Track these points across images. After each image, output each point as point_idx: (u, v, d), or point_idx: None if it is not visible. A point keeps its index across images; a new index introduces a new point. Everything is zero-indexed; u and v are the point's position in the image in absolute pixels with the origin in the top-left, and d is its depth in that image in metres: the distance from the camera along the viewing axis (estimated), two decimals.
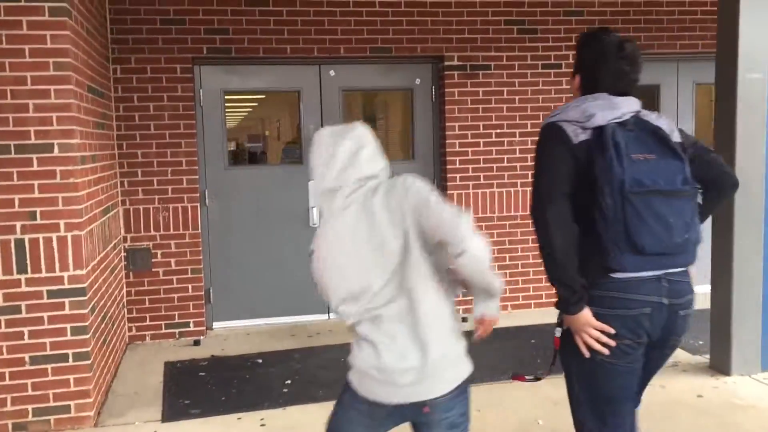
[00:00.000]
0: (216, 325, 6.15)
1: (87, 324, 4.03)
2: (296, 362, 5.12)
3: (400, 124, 6.53)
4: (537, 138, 2.43)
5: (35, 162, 3.88)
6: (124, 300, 5.74)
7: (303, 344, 5.58)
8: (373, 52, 6.05)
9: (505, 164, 6.35)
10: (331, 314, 6.29)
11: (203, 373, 4.95)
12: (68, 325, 4.00)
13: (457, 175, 6.27)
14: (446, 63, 6.17)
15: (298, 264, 5.31)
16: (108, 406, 4.40)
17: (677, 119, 6.81)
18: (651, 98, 6.76)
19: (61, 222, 3.94)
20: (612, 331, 2.25)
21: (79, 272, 3.98)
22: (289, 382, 4.70)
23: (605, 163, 2.20)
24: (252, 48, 5.85)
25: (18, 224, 3.89)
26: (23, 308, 3.93)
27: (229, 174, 6.06)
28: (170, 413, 4.23)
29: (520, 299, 6.48)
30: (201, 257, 5.90)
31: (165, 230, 5.81)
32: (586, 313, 2.27)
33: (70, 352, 4.01)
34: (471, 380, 2.22)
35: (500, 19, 6.23)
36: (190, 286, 5.90)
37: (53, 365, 4.00)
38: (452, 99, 6.21)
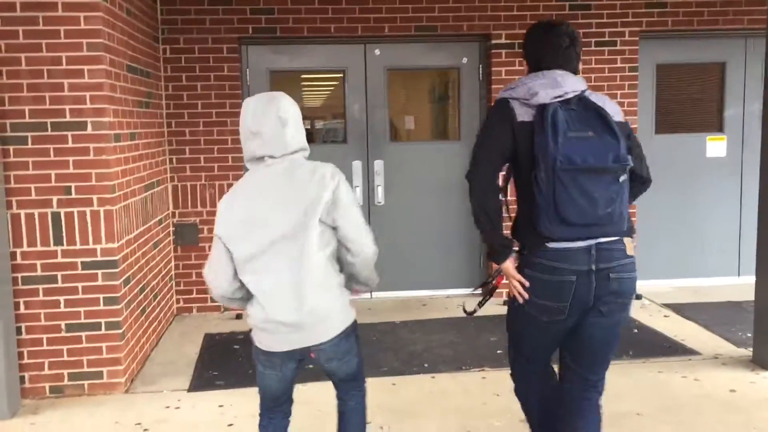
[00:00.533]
0: None
1: (118, 295, 4.20)
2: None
3: (447, 104, 6.44)
4: None
5: (70, 139, 4.06)
6: (172, 273, 5.95)
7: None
8: (418, 30, 5.99)
9: None
10: (373, 293, 6.34)
11: (237, 346, 5.09)
12: (101, 296, 4.18)
13: None
14: (494, 41, 6.04)
15: None
16: (143, 373, 4.59)
17: (744, 100, 6.46)
18: (716, 76, 6.42)
19: (94, 197, 4.11)
20: (526, 284, 2.56)
21: (111, 245, 4.15)
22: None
23: (543, 140, 2.42)
24: (297, 27, 5.90)
25: (54, 198, 4.08)
26: (59, 278, 4.14)
27: None
28: (197, 383, 4.37)
29: None
30: None
31: (211, 206, 5.97)
32: (508, 265, 2.61)
33: (102, 321, 4.20)
34: (354, 327, 2.58)
35: None
36: None
37: (87, 333, 4.20)
38: (499, 78, 6.07)
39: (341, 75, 6.18)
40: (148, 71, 5.29)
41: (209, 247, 5.85)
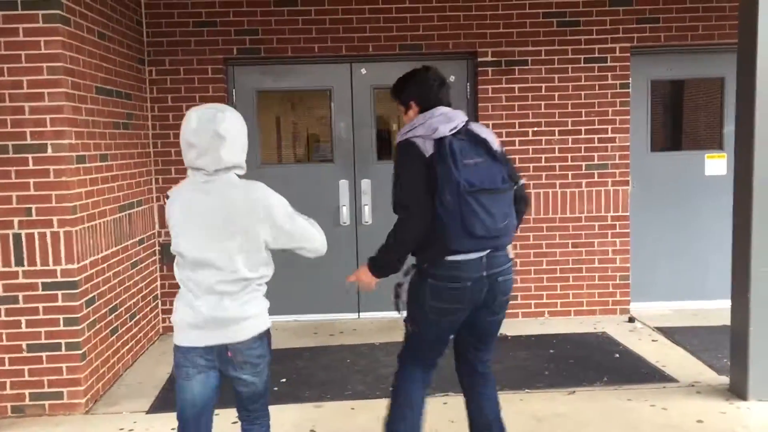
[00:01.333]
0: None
1: (78, 316, 4.23)
2: (303, 360, 5.14)
3: None
4: (396, 153, 3.01)
5: (31, 161, 4.11)
6: (158, 293, 5.97)
7: (320, 342, 5.59)
8: (402, 49, 5.95)
9: (543, 164, 6.05)
10: (360, 313, 6.28)
11: None
12: (61, 316, 4.21)
13: None
14: (480, 59, 5.96)
15: (329, 261, 5.27)
16: (110, 393, 4.60)
17: None
18: (715, 92, 6.22)
19: (54, 218, 4.15)
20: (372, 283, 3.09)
21: (70, 266, 4.18)
22: (284, 380, 4.72)
23: (445, 169, 2.79)
24: (281, 48, 5.91)
25: (15, 219, 4.13)
26: (21, 299, 4.18)
27: (260, 172, 6.16)
28: (158, 405, 4.36)
29: (558, 306, 6.17)
30: None
31: None
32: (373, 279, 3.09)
33: (62, 341, 4.23)
34: (267, 333, 2.72)
35: (538, 11, 5.94)
36: None
37: (48, 353, 4.23)
38: (486, 96, 5.99)
39: (327, 94, 6.16)
40: (129, 93, 5.35)
41: None
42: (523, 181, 3.10)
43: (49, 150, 4.12)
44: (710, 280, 6.25)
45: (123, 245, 5.07)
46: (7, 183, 4.11)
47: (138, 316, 5.39)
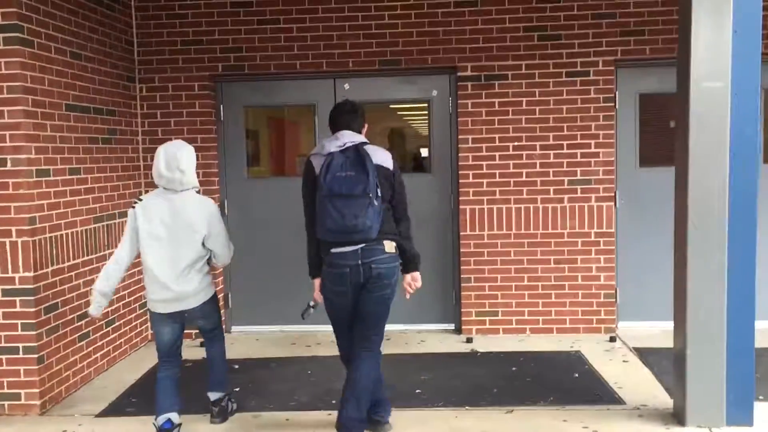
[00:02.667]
0: (234, 328, 6.44)
1: (35, 321, 4.45)
2: (267, 370, 5.23)
3: (419, 137, 6.39)
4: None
5: None
6: (146, 300, 6.18)
7: (293, 353, 5.68)
8: (382, 65, 6.01)
9: (524, 179, 5.98)
10: None
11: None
12: (19, 321, 4.45)
13: (470, 190, 6.02)
14: (459, 74, 5.96)
15: None
16: (74, 397, 4.81)
17: None
18: None
19: (13, 229, 4.40)
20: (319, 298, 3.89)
21: (27, 274, 4.42)
22: (237, 389, 4.81)
23: (320, 177, 3.60)
24: (264, 65, 6.07)
25: None
26: None
27: (248, 184, 6.33)
28: (109, 409, 4.54)
29: (540, 323, 6.07)
30: None
31: None
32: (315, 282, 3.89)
33: (20, 345, 4.46)
34: (214, 298, 4.07)
35: (519, 26, 5.89)
36: None
37: (7, 356, 4.47)
38: (465, 111, 5.98)
39: (312, 110, 6.27)
40: (112, 109, 5.60)
41: None
42: (404, 214, 3.86)
43: (9, 164, 4.38)
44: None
45: (98, 254, 5.29)
46: None
47: (117, 323, 5.61)
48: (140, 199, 3.91)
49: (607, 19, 5.85)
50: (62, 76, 4.86)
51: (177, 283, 3.81)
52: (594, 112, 5.91)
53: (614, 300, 6.02)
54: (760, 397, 4.22)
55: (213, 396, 4.24)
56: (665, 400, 4.33)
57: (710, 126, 3.74)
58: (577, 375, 4.89)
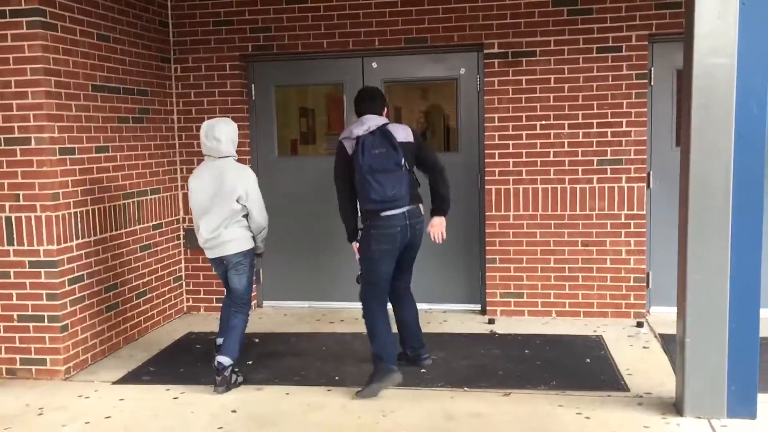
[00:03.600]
0: (266, 303, 6.61)
1: (59, 292, 4.71)
2: (285, 345, 5.35)
3: (448, 115, 6.33)
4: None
5: (18, 152, 4.63)
6: (182, 274, 6.43)
7: (315, 329, 5.79)
8: (407, 42, 5.97)
9: (551, 158, 5.85)
10: None
11: (199, 346, 5.42)
12: (44, 292, 4.71)
13: (496, 170, 5.93)
14: (486, 51, 5.85)
15: (346, 250, 5.42)
16: (100, 364, 5.07)
17: None
18: None
19: (38, 204, 4.65)
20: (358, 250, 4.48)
21: (51, 247, 4.67)
22: (250, 362, 4.95)
23: (357, 157, 4.23)
24: (292, 44, 6.14)
25: (7, 204, 4.67)
26: (12, 274, 4.73)
27: (278, 163, 6.44)
28: (126, 377, 4.77)
29: (567, 306, 5.95)
30: None
31: None
32: (354, 245, 4.51)
33: (45, 314, 4.73)
34: (248, 260, 4.60)
35: (548, 0, 5.72)
36: None
37: (34, 324, 4.75)
38: (492, 89, 5.88)
39: (340, 88, 6.30)
40: (144, 89, 5.80)
41: None
42: (436, 163, 4.58)
43: (33, 143, 4.61)
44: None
45: (129, 229, 5.53)
46: (0, 171, 4.65)
47: (149, 295, 5.85)
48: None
49: None
50: (88, 58, 5.06)
51: (212, 234, 4.46)
52: (626, 89, 5.70)
53: (645, 284, 5.83)
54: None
55: (221, 360, 4.40)
56: (672, 389, 4.18)
57: (714, 105, 3.56)
58: (588, 360, 4.79)
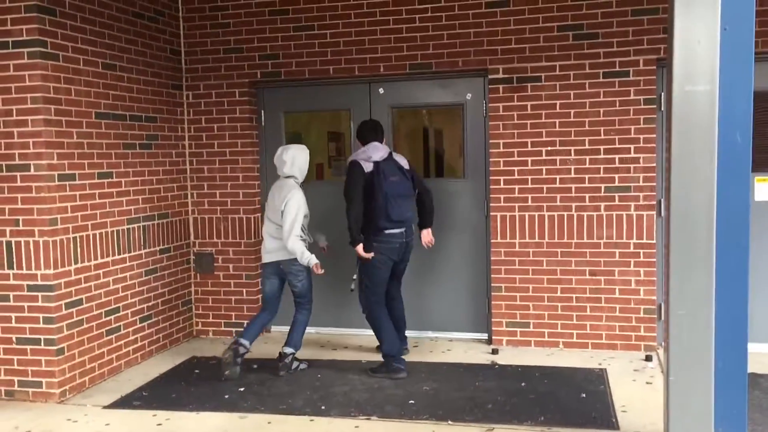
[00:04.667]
0: (275, 329, 6.60)
1: (55, 315, 4.80)
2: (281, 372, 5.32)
3: (454, 141, 6.27)
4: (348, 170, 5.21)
5: (18, 179, 4.76)
6: (191, 298, 6.50)
7: (315, 356, 5.75)
8: (412, 68, 5.95)
9: (558, 185, 5.72)
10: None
11: (198, 371, 5.45)
12: (41, 315, 4.81)
13: (501, 196, 5.83)
14: (490, 76, 5.79)
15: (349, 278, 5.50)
16: (97, 387, 5.13)
17: None
18: (764, 107, 5.50)
19: (36, 229, 4.76)
20: (372, 255, 5.14)
21: (47, 272, 4.77)
22: (242, 389, 4.95)
23: (379, 181, 5.03)
24: (299, 71, 6.18)
25: (7, 229, 4.80)
26: (11, 297, 4.84)
27: None
28: (119, 402, 4.81)
29: (574, 337, 5.79)
30: (255, 264, 6.40)
31: (225, 238, 6.44)
32: (359, 248, 5.12)
33: (42, 337, 4.82)
34: (299, 266, 5.19)
35: (552, 25, 5.65)
36: (244, 290, 6.45)
37: (31, 347, 4.85)
38: (496, 114, 5.80)
39: (347, 114, 6.31)
40: (153, 116, 5.91)
41: (224, 275, 6.31)
42: (428, 187, 5.50)
43: (32, 169, 4.74)
44: (758, 318, 5.50)
45: (133, 254, 5.61)
46: (1, 197, 4.78)
47: (154, 319, 5.91)
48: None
49: (648, 15, 5.47)
50: (92, 86, 5.18)
51: (267, 241, 5.26)
52: (634, 115, 5.55)
53: (655, 316, 5.63)
54: (758, 429, 3.81)
55: (285, 350, 5.27)
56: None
57: (694, 134, 3.41)
58: (584, 395, 4.63)
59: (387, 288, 5.33)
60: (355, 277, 5.31)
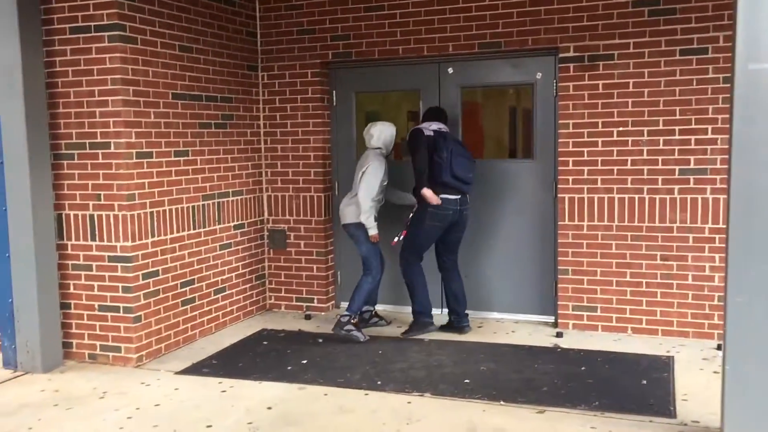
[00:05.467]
0: (343, 304, 6.75)
1: (132, 285, 5.10)
2: (344, 346, 5.46)
3: (522, 121, 6.19)
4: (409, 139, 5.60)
5: (100, 156, 5.06)
6: (265, 272, 6.74)
7: (379, 332, 5.86)
8: (481, 47, 5.91)
9: (629, 167, 5.58)
10: (444, 309, 6.35)
11: (266, 343, 5.66)
12: (120, 285, 5.12)
13: (570, 178, 5.74)
14: (561, 55, 5.68)
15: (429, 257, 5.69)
16: (173, 354, 5.42)
17: None
18: None
19: (116, 203, 5.06)
20: (439, 201, 5.46)
21: (126, 244, 5.06)
22: (305, 361, 5.12)
23: (442, 143, 5.42)
24: (369, 51, 6.25)
25: (90, 203, 5.12)
26: (94, 267, 5.17)
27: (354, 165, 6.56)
28: (189, 368, 5.07)
29: (644, 323, 5.65)
30: (326, 241, 6.57)
31: (297, 215, 6.63)
32: (427, 192, 5.44)
33: (121, 305, 5.13)
34: (361, 230, 5.64)
35: (627, 1, 5.48)
36: (314, 266, 6.63)
37: (111, 314, 5.17)
38: (566, 94, 5.70)
39: (417, 94, 6.34)
40: (228, 96, 6.13)
41: (296, 252, 6.51)
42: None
43: (112, 147, 5.02)
44: None
45: (208, 228, 5.87)
46: (85, 173, 5.11)
47: (229, 292, 6.17)
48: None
49: None
50: (169, 68, 5.42)
51: (342, 204, 5.80)
52: (711, 94, 5.32)
53: None
54: None
55: (364, 308, 5.89)
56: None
57: (757, 116, 3.27)
58: (645, 382, 4.53)
59: (442, 260, 5.72)
60: (402, 235, 5.67)
